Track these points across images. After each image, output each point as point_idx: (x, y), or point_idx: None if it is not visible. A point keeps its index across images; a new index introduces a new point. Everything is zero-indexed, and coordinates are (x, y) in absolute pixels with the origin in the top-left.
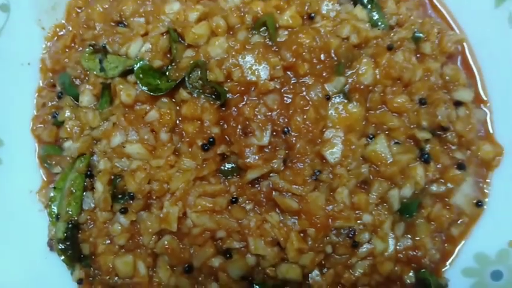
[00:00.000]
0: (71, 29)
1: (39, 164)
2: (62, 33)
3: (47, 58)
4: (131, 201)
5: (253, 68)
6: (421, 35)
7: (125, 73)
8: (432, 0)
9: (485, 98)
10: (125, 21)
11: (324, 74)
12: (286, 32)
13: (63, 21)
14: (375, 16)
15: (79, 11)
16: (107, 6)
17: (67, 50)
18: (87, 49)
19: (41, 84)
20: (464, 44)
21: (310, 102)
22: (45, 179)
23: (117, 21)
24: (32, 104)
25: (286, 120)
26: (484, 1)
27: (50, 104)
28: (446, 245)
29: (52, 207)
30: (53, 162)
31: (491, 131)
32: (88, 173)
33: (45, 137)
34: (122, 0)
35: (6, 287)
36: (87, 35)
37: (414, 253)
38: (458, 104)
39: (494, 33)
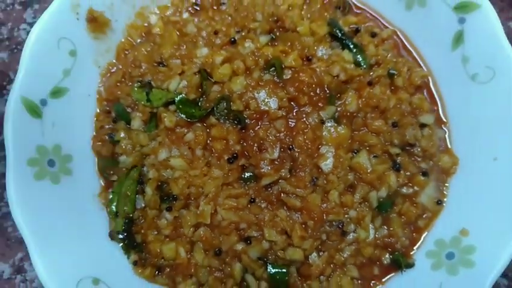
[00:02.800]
0: (121, 67)
1: (99, 174)
2: (113, 70)
3: (102, 91)
4: (174, 202)
5: (266, 100)
6: (394, 71)
7: (167, 103)
8: (404, 43)
9: (444, 120)
10: (165, 62)
11: (319, 104)
12: (290, 72)
13: (114, 61)
14: (359, 58)
15: (127, 52)
16: (149, 49)
17: (119, 84)
18: (135, 84)
19: (98, 111)
20: (429, 78)
21: (309, 126)
22: (103, 185)
23: (158, 62)
24: (92, 126)
25: (291, 139)
26: (444, 45)
27: (107, 126)
28: (413, 234)
29: (111, 206)
30: (111, 172)
31: (449, 145)
32: (140, 180)
33: (104, 152)
34: (162, 45)
35: (79, 268)
36: (134, 72)
37: (389, 240)
38: (422, 125)
39: (451, 70)
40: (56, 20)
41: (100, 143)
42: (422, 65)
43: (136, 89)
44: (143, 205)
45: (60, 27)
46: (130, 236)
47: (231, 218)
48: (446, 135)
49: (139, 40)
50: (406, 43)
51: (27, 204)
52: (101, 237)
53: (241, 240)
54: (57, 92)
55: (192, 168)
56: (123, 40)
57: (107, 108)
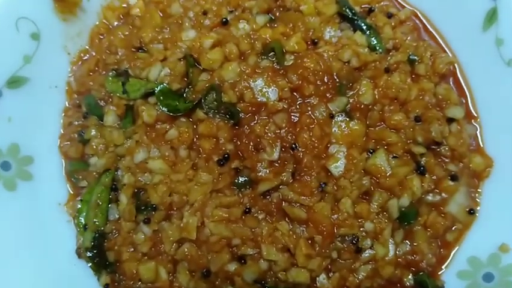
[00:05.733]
0: (94, 54)
1: (66, 179)
2: (86, 58)
3: (72, 81)
4: (153, 212)
5: (263, 90)
6: (415, 57)
7: (146, 95)
8: (426, 24)
9: (475, 114)
10: (145, 47)
11: (327, 95)
12: (292, 57)
13: (87, 47)
14: (374, 41)
15: (102, 37)
16: (127, 33)
17: (91, 73)
18: (110, 73)
19: (67, 105)
20: (455, 65)
21: (315, 121)
22: (72, 192)
23: (137, 47)
24: (59, 123)
25: (293, 137)
26: (473, 26)
27: (76, 123)
28: (441, 249)
29: (80, 218)
30: (80, 177)
31: (481, 144)
32: (113, 186)
33: (72, 153)
34: (142, 27)
35: None
36: (110, 59)
37: (413, 257)
38: (450, 120)
39: (482, 54)
40: None
41: (67, 143)
42: (446, 49)
43: (110, 78)
44: (117, 216)
45: (19, 5)
46: (100, 254)
47: (221, 233)
48: (478, 132)
49: (115, 23)
50: (428, 25)
51: None
52: (67, 254)
53: (234, 259)
54: (15, 82)
55: (174, 172)
56: (97, 23)
57: (78, 102)
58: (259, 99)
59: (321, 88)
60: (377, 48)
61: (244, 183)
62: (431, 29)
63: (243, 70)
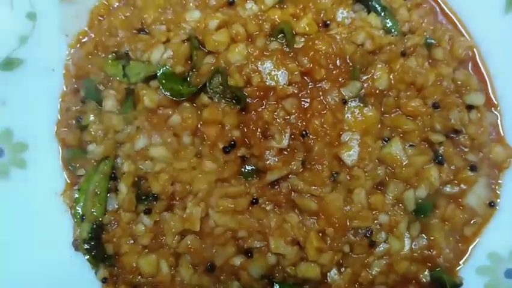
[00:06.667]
0: (93, 36)
1: (63, 167)
2: (85, 40)
3: (70, 64)
4: (154, 202)
5: (272, 73)
6: (433, 41)
7: (148, 79)
8: (443, 7)
9: (495, 102)
10: (147, 28)
11: (340, 79)
12: (303, 39)
13: (86, 29)
14: (389, 23)
15: (101, 19)
16: (128, 14)
17: (90, 56)
18: (110, 56)
19: (64, 90)
20: (475, 49)
21: (327, 106)
22: (69, 181)
23: (139, 28)
24: (56, 108)
25: (304, 123)
26: (494, 8)
27: (74, 108)
28: (459, 244)
29: (77, 208)
30: (77, 165)
31: (502, 133)
32: (112, 175)
33: (70, 140)
34: (144, 8)
35: (33, 285)
36: (109, 42)
37: (429, 252)
38: (470, 107)
39: (504, 38)
40: None
41: (64, 129)
42: (465, 33)
43: (110, 61)
44: (116, 206)
45: None
46: (98, 246)
47: (227, 224)
48: (498, 121)
49: (116, 4)
50: (445, 7)
51: None
52: (63, 246)
53: (240, 252)
54: (10, 63)
55: (177, 160)
56: (97, 4)
57: (76, 86)
58: (267, 83)
59: (334, 72)
60: (392, 30)
61: (251, 172)
62: (448, 11)
63: (251, 52)
